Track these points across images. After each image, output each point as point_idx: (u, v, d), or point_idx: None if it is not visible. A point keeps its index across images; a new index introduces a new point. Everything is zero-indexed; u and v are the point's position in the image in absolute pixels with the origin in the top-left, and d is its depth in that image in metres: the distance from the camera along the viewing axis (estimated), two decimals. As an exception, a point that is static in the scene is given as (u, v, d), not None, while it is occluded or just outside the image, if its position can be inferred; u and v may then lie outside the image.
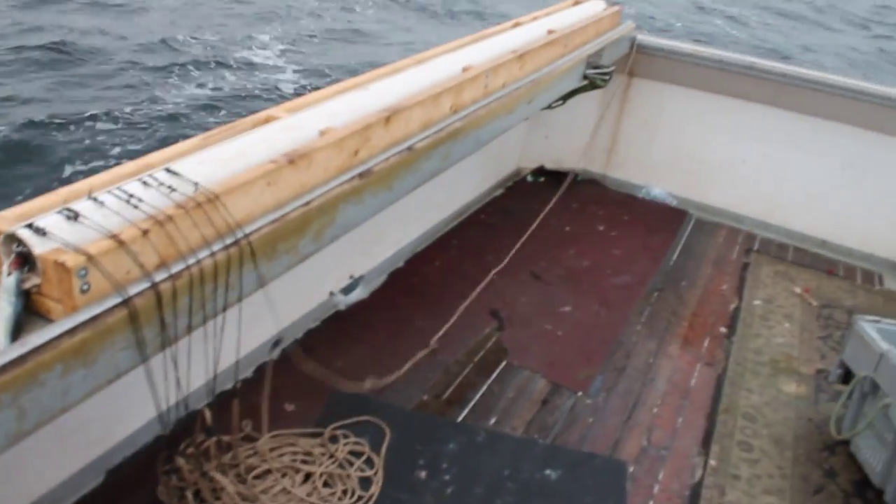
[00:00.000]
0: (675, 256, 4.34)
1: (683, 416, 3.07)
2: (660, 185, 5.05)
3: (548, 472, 2.68)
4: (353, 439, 2.67)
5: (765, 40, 17.65)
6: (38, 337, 1.41)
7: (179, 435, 2.16)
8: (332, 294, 3.42)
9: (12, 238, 1.48)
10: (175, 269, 1.67)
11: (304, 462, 2.56)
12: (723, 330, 3.69)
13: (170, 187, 1.75)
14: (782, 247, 4.64)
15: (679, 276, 4.14)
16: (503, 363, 3.25)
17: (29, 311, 1.50)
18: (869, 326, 2.80)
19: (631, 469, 2.77)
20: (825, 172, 4.61)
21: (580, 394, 3.12)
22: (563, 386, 3.15)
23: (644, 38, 4.82)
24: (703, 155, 4.90)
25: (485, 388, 3.10)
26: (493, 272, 3.88)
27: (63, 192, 1.70)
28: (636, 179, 5.10)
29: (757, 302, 3.97)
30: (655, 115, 4.97)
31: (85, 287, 1.48)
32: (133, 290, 1.57)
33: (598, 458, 2.78)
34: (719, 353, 3.50)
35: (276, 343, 3.11)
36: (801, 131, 4.61)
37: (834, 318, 3.90)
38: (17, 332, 1.45)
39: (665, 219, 4.78)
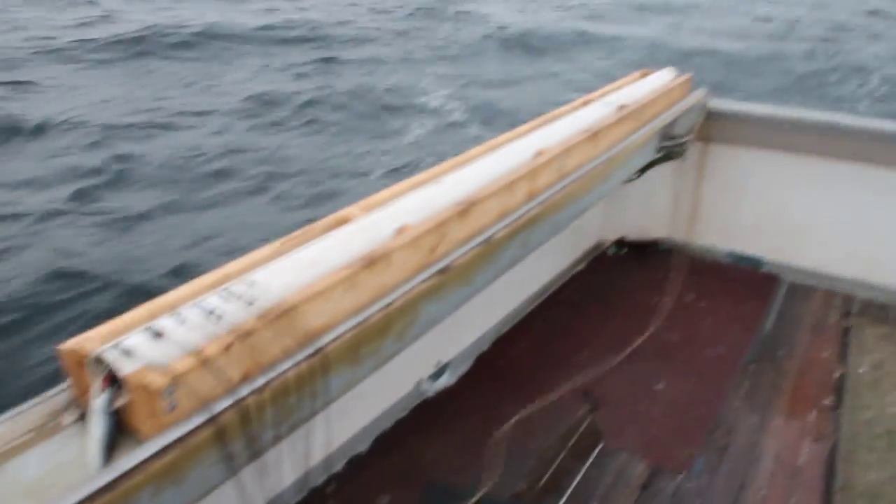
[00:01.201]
0: (769, 324, 4.15)
1: (796, 497, 2.88)
2: (747, 250, 4.87)
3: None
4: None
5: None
6: (128, 460, 1.43)
7: None
8: (419, 382, 3.39)
9: (99, 360, 1.51)
10: (258, 382, 1.67)
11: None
12: (828, 401, 3.48)
13: (249, 299, 1.77)
14: (885, 307, 4.39)
15: (775, 345, 3.95)
16: (599, 446, 3.14)
17: (119, 430, 1.53)
18: None
19: None
20: None
21: (682, 476, 2.97)
22: (663, 468, 3.01)
23: (717, 102, 4.70)
24: (790, 216, 4.71)
25: (581, 473, 2.98)
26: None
27: (146, 307, 1.74)
28: (722, 245, 4.94)
29: (863, 369, 3.74)
30: (736, 179, 4.83)
31: (172, 406, 1.50)
32: (219, 407, 1.58)
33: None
34: (827, 427, 3.29)
35: (366, 436, 3.09)
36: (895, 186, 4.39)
37: None
38: (109, 451, 1.48)
39: (755, 285, 4.60)
